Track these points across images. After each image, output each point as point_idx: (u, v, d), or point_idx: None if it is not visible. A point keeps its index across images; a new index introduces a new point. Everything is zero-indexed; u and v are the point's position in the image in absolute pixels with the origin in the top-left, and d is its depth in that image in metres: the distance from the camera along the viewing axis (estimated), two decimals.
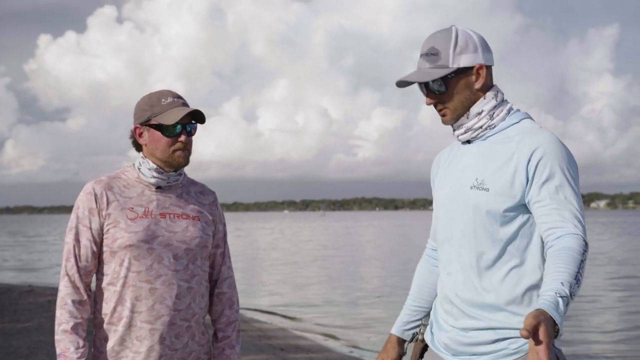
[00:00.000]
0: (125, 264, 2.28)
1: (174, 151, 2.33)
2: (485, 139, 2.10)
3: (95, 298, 2.35)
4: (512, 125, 2.08)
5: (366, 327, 11.59)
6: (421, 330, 2.32)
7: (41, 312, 11.09)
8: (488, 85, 2.10)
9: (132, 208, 2.32)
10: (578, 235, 1.90)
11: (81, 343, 2.25)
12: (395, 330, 2.39)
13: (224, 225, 2.54)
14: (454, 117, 2.10)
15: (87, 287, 2.32)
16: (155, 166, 2.35)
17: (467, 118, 2.09)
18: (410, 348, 2.38)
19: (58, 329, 2.26)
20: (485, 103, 2.09)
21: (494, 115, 2.09)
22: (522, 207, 2.01)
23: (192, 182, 2.50)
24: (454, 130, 2.15)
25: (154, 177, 2.35)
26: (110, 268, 2.30)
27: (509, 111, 2.11)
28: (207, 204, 2.47)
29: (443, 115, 2.12)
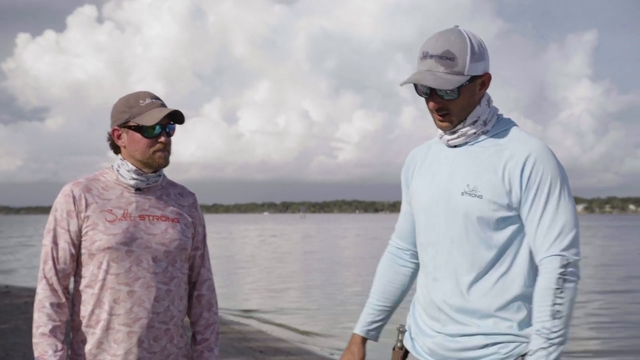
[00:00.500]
0: (104, 266, 2.27)
1: (154, 152, 2.32)
2: (473, 144, 2.09)
3: (73, 300, 2.33)
4: (502, 131, 2.08)
5: (346, 329, 11.60)
6: (400, 338, 2.28)
7: (17, 314, 10.97)
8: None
9: (111, 210, 2.30)
10: (554, 257, 1.95)
11: (59, 346, 2.23)
12: (359, 330, 2.37)
13: (204, 227, 2.53)
14: (455, 123, 2.07)
15: (65, 289, 2.30)
16: (134, 168, 2.34)
17: (463, 125, 2.07)
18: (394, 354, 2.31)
19: (36, 331, 2.24)
20: (481, 111, 2.08)
21: (487, 122, 2.09)
22: (514, 215, 2.02)
23: (172, 184, 2.49)
24: (444, 135, 2.12)
25: (133, 178, 2.34)
26: (89, 270, 2.29)
27: (498, 117, 2.12)
28: (187, 206, 2.46)
29: (444, 121, 2.07)
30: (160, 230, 2.34)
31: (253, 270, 23.06)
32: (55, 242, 2.29)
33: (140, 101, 2.32)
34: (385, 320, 2.38)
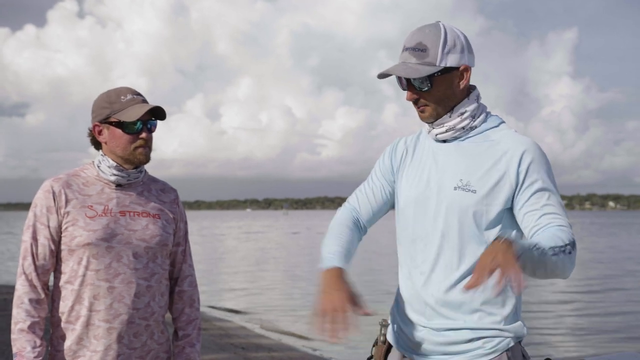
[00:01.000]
0: (84, 262, 2.26)
1: (135, 148, 2.32)
2: (464, 140, 2.09)
3: (53, 296, 2.32)
4: (492, 128, 2.10)
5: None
6: (383, 332, 2.26)
7: None
8: (468, 86, 2.11)
9: (92, 206, 2.29)
10: (564, 228, 1.94)
11: (38, 342, 2.22)
12: (339, 262, 2.01)
13: (185, 223, 2.53)
14: (433, 115, 2.08)
15: (45, 285, 2.29)
16: (115, 164, 2.33)
17: (450, 117, 2.08)
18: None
19: (15, 327, 2.23)
20: (469, 104, 2.09)
21: (476, 117, 2.10)
22: (506, 210, 2.03)
23: (153, 180, 2.48)
24: (432, 129, 2.12)
25: (114, 174, 2.33)
26: (68, 266, 2.28)
27: (487, 114, 2.13)
28: (168, 202, 2.46)
29: (422, 112, 2.09)
30: (141, 226, 2.33)
31: (236, 267, 23.02)
32: (34, 238, 2.28)
33: (122, 97, 2.31)
34: (344, 259, 2.04)
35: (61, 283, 2.29)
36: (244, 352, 8.45)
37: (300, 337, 10.47)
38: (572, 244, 1.91)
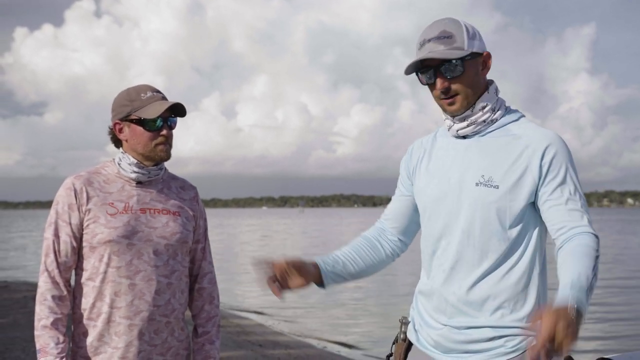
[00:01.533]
0: (105, 259, 2.27)
1: (156, 145, 2.33)
2: (484, 135, 2.07)
3: (74, 293, 2.33)
4: (512, 122, 2.07)
5: (344, 325, 11.62)
6: (403, 329, 2.25)
7: (17, 308, 10.98)
8: (487, 79, 2.09)
9: (112, 203, 2.30)
10: (591, 234, 1.92)
11: (61, 338, 2.24)
12: (319, 258, 2.22)
13: (205, 220, 2.54)
14: (464, 105, 2.05)
15: (67, 282, 2.31)
16: (135, 161, 2.34)
17: (472, 112, 2.06)
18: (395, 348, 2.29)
19: (38, 324, 2.24)
20: (489, 97, 2.07)
21: (496, 110, 2.07)
22: (530, 205, 2.00)
23: (173, 177, 2.49)
24: (454, 124, 2.09)
25: (135, 172, 2.34)
26: (90, 263, 2.29)
27: (507, 108, 2.11)
28: (188, 199, 2.47)
29: (451, 104, 2.05)
30: (161, 224, 2.34)
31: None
32: (56, 235, 2.29)
33: (142, 94, 2.32)
34: (337, 277, 2.23)
35: (82, 280, 2.31)
36: (262, 349, 8.47)
37: (318, 334, 10.49)
38: (599, 247, 1.90)
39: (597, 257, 1.86)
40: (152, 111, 2.29)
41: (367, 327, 10.93)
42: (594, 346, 9.77)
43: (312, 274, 2.16)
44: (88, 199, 2.30)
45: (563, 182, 1.97)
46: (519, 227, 2.00)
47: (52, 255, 2.28)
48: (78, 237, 2.30)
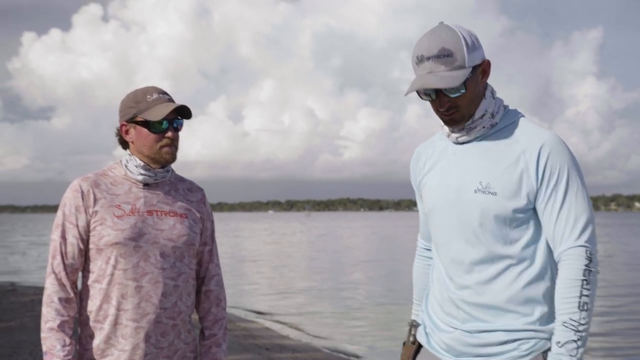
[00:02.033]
0: (112, 261, 2.27)
1: (161, 147, 2.32)
2: (481, 139, 2.05)
3: (81, 295, 2.33)
4: (510, 124, 2.05)
5: (353, 327, 11.60)
6: (412, 332, 2.25)
7: (24, 311, 11.00)
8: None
9: (119, 205, 2.30)
10: (579, 247, 1.92)
11: (68, 341, 2.23)
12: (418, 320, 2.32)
13: (212, 222, 2.53)
14: (465, 118, 2.02)
15: (74, 284, 2.31)
16: (142, 163, 2.34)
17: (472, 121, 2.03)
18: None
19: (44, 326, 2.24)
20: (487, 103, 2.04)
21: (495, 114, 2.05)
22: (531, 209, 1.99)
23: (181, 179, 2.49)
24: (452, 132, 2.07)
25: (141, 174, 2.34)
26: (97, 265, 2.29)
27: (505, 107, 2.09)
28: (195, 201, 2.46)
29: (453, 119, 2.02)
30: (168, 226, 2.34)
31: (261, 268, 23.07)
32: (63, 237, 2.29)
33: (148, 96, 2.32)
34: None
35: (89, 282, 2.31)
36: (268, 352, 8.46)
37: (324, 338, 10.47)
38: (590, 261, 1.91)
39: (584, 280, 1.89)
40: (158, 113, 2.29)
41: (376, 332, 10.91)
42: (603, 346, 9.73)
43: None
44: (95, 200, 2.29)
45: (558, 183, 1.95)
46: (524, 231, 1.99)
47: (59, 257, 2.28)
48: (85, 239, 2.30)
